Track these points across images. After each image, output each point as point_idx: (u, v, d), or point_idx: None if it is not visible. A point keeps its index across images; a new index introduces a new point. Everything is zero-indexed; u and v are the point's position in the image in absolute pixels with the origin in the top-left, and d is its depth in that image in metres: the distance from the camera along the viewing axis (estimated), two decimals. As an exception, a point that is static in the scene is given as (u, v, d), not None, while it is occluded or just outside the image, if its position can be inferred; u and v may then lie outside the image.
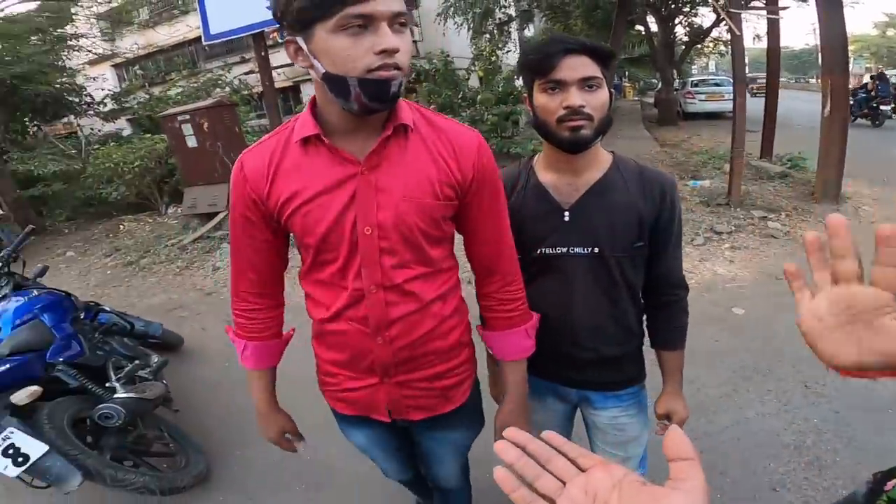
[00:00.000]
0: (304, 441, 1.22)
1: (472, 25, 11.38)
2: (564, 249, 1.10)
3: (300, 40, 0.81)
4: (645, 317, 1.23)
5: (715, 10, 11.58)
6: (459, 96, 8.93)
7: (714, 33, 14.54)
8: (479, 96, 8.67)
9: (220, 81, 11.74)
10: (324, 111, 0.90)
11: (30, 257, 6.42)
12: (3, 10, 8.60)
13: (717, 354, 2.75)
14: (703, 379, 2.53)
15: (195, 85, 11.50)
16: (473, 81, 9.63)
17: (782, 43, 7.72)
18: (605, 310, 1.12)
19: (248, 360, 1.11)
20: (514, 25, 12.29)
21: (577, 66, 0.98)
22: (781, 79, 8.96)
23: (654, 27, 13.86)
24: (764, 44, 7.73)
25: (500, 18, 11.67)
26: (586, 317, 1.12)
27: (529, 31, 14.36)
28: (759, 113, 7.48)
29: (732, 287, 3.63)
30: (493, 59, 9.28)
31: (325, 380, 1.12)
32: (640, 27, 14.19)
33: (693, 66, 33.52)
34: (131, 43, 14.15)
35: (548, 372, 1.21)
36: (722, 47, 17.04)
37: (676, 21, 13.78)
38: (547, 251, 1.11)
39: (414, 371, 1.03)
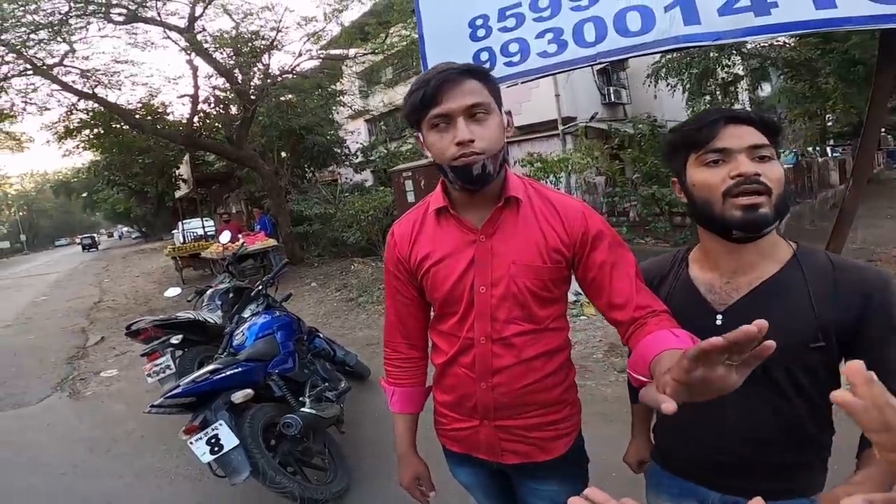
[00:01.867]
0: (434, 492, 1.29)
1: (687, 87, 10.73)
2: None
3: (420, 135, 1.05)
4: None
5: None
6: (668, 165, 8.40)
7: None
8: (691, 164, 8.02)
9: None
10: (449, 188, 1.09)
11: (287, 282, 8.48)
12: (297, 65, 10.94)
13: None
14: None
15: (420, 142, 13.19)
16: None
17: None
18: (768, 420, 0.95)
19: (395, 405, 1.26)
20: (742, 86, 11.11)
21: (744, 135, 0.87)
22: None
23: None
24: None
25: (723, 78, 10.72)
26: (742, 428, 0.96)
27: (763, 92, 12.72)
28: None
29: None
30: (711, 122, 8.52)
31: (438, 419, 1.24)
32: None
33: None
34: (379, 101, 16.44)
35: (683, 471, 1.08)
36: None
37: None
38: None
39: (513, 418, 1.11)
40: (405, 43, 10.48)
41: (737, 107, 11.03)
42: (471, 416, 1.15)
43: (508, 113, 1.05)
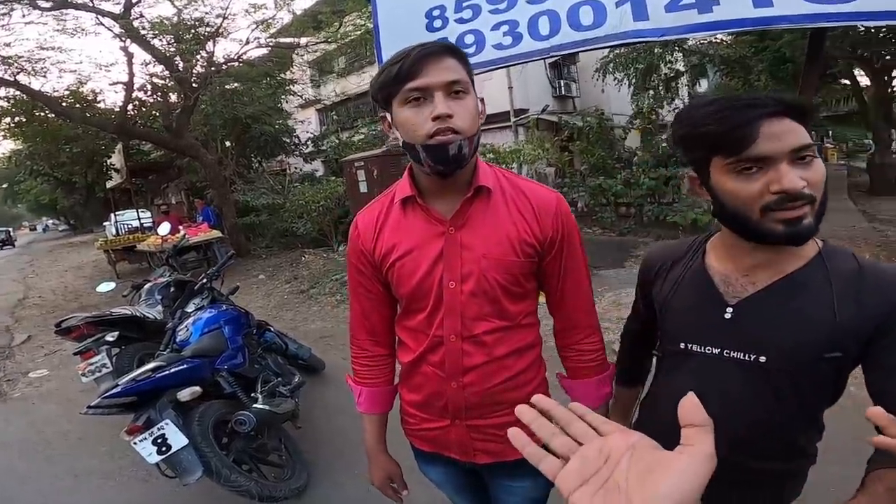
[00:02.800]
0: (407, 491, 1.27)
1: (633, 82, 11.13)
2: (716, 351, 0.89)
3: (388, 115, 0.97)
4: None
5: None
6: (614, 156, 8.76)
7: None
8: (637, 157, 8.40)
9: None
10: (417, 176, 1.03)
11: (233, 275, 8.14)
12: (243, 53, 10.54)
13: None
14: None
15: (374, 132, 12.90)
16: (633, 141, 9.38)
17: None
18: (763, 426, 0.88)
19: (363, 405, 1.21)
20: (682, 81, 11.67)
21: (784, 134, 0.74)
22: None
23: (864, 80, 11.88)
24: None
25: (665, 74, 11.21)
26: (733, 435, 0.85)
27: (701, 88, 13.44)
28: None
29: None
30: (653, 117, 8.94)
31: (406, 419, 1.19)
32: (845, 80, 12.27)
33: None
34: (331, 90, 16.13)
35: None
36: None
37: (895, 73, 11.61)
38: (693, 348, 0.92)
39: (484, 417, 1.08)
40: (359, 32, 10.21)
41: (677, 103, 11.62)
42: (441, 416, 1.11)
43: (482, 100, 0.99)
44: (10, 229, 34.74)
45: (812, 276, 0.83)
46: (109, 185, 15.52)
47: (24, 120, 10.51)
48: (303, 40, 11.48)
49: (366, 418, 1.22)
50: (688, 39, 10.52)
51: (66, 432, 3.34)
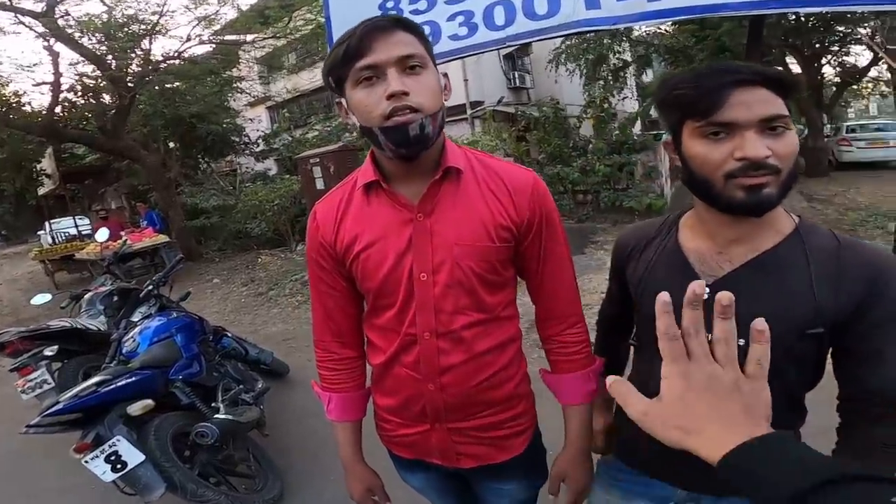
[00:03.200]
0: (390, 502, 1.20)
1: (584, 72, 11.35)
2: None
3: (344, 101, 0.90)
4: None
5: (871, 48, 10.29)
6: (570, 145, 8.94)
7: (873, 72, 12.81)
8: (591, 145, 8.59)
9: (349, 126, 12.97)
10: (380, 160, 0.94)
11: (185, 280, 7.75)
12: (184, 51, 10.07)
13: None
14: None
15: (329, 129, 12.67)
16: (587, 130, 9.59)
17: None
18: None
19: (333, 413, 1.11)
20: (630, 71, 12.04)
21: (755, 103, 0.73)
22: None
23: (796, 68, 12.62)
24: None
25: (614, 64, 11.50)
26: None
27: (647, 77, 13.93)
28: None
29: None
30: (606, 106, 9.17)
31: (381, 425, 1.12)
32: (778, 68, 13.00)
33: (849, 110, 29.55)
34: (282, 87, 15.60)
35: (651, 466, 0.98)
36: (884, 87, 14.90)
37: (824, 61, 12.42)
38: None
39: (466, 419, 1.01)
40: (310, 27, 9.86)
41: (626, 92, 11.97)
42: (419, 421, 1.03)
43: (445, 75, 0.91)
44: None
45: (789, 252, 0.81)
46: (41, 191, 14.50)
47: None
48: (249, 37, 11.01)
49: (338, 427, 1.12)
50: (634, 30, 10.86)
51: (15, 451, 3.12)
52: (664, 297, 0.49)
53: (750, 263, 0.82)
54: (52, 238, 12.03)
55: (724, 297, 0.48)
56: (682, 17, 3.92)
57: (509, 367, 1.02)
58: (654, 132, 9.30)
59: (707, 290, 0.78)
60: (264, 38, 10.96)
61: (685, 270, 0.86)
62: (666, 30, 11.06)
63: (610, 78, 11.45)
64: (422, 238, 0.92)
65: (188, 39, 9.77)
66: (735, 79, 0.73)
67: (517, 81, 13.44)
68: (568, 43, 11.08)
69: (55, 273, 9.39)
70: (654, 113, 8.88)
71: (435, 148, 0.91)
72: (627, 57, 11.90)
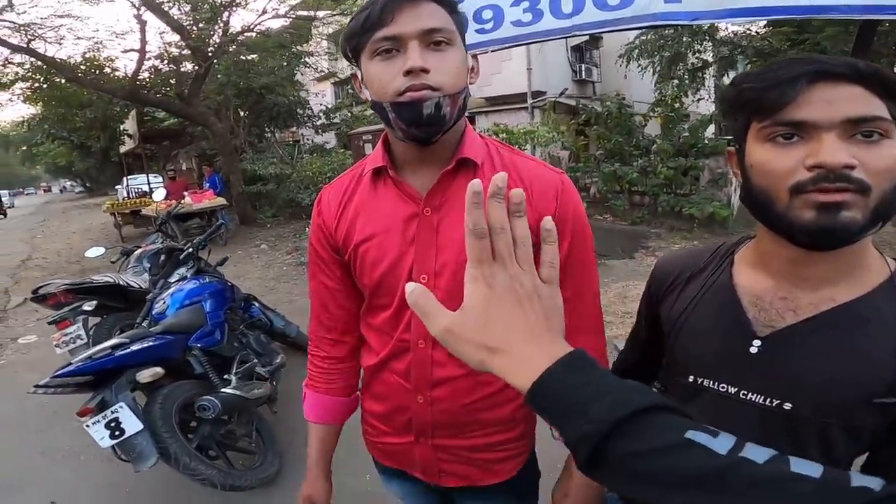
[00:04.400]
0: None
1: (658, 69, 10.72)
2: (733, 390, 0.71)
3: (359, 72, 0.83)
4: None
5: None
6: (632, 143, 8.49)
7: None
8: (655, 145, 8.11)
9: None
10: (391, 142, 0.87)
11: (236, 242, 8.09)
12: (260, 24, 10.48)
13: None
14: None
15: (387, 107, 12.92)
16: (654, 129, 9.07)
17: None
18: None
19: (308, 412, 1.05)
20: (710, 72, 11.22)
21: (840, 100, 0.57)
22: None
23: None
24: None
25: (693, 63, 10.77)
26: None
27: (728, 79, 12.97)
28: None
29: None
30: (677, 105, 8.59)
31: (367, 428, 1.07)
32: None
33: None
34: (347, 64, 16.19)
35: None
36: None
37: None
38: (705, 383, 0.74)
39: (454, 437, 0.93)
40: (378, 6, 9.90)
41: (702, 93, 11.18)
42: (404, 432, 0.96)
43: (475, 58, 0.82)
44: (7, 193, 31.77)
45: (874, 308, 0.63)
46: (123, 149, 15.70)
47: (40, 86, 10.56)
48: (321, 13, 11.27)
49: (311, 428, 1.05)
50: (719, 29, 10.08)
51: (44, 405, 3.21)
52: (475, 185, 0.43)
53: (819, 318, 0.65)
54: (128, 192, 12.97)
55: (515, 194, 0.44)
56: (779, 17, 3.53)
57: (510, 388, 0.89)
58: (730, 137, 8.65)
59: (758, 342, 0.69)
60: (333, 15, 11.17)
61: (735, 315, 0.71)
62: (757, 31, 10.18)
63: (686, 77, 10.73)
64: (426, 236, 0.84)
65: (264, 13, 10.15)
66: (815, 69, 0.57)
67: (583, 74, 12.97)
68: (643, 38, 10.47)
69: (123, 226, 10.09)
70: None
71: (452, 134, 0.82)
72: (709, 57, 11.08)
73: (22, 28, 8.91)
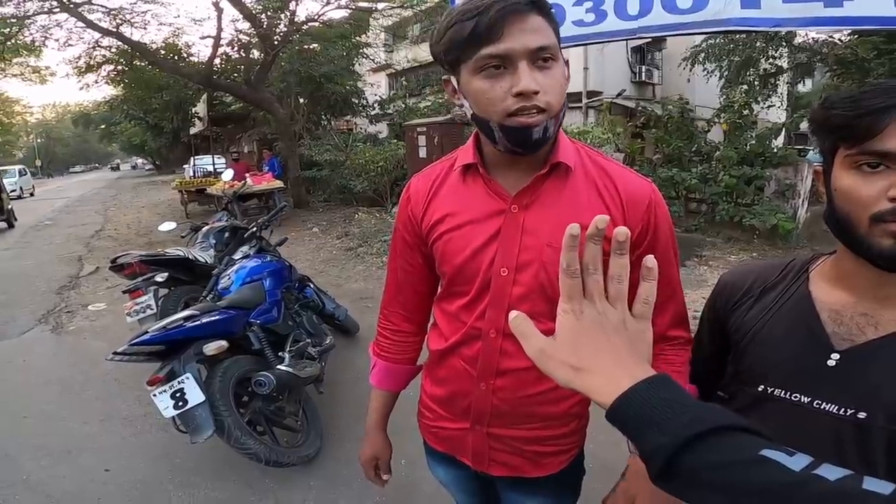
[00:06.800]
0: (390, 475, 1.22)
1: (724, 74, 10.21)
2: (807, 399, 0.72)
3: (454, 80, 0.82)
4: None
5: None
6: (692, 149, 8.15)
7: None
8: (718, 152, 7.75)
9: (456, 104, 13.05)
10: (483, 143, 0.89)
11: (289, 224, 8.43)
12: (323, 14, 10.84)
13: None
14: None
15: (441, 100, 12.78)
16: (716, 136, 8.67)
17: None
18: None
19: (374, 377, 1.12)
20: (783, 79, 10.56)
21: None
22: None
23: None
24: None
25: (765, 69, 10.17)
26: None
27: (805, 87, 12.16)
28: None
29: None
30: (745, 112, 8.16)
31: (423, 412, 1.10)
32: None
33: None
34: (403, 56, 16.28)
35: None
36: None
37: None
38: (776, 393, 0.76)
39: (509, 427, 0.96)
40: (436, 0, 9.93)
41: (773, 100, 10.57)
42: (461, 418, 1.00)
43: (566, 63, 0.81)
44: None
45: None
46: (193, 131, 16.62)
47: (124, 69, 11.28)
48: (380, 5, 11.53)
49: (374, 393, 1.14)
50: (796, 35, 9.47)
51: (107, 372, 3.35)
52: (573, 229, 0.47)
53: None
54: (194, 172, 13.74)
55: (621, 233, 0.47)
56: (871, 28, 3.32)
57: None
58: (801, 147, 8.10)
59: (836, 356, 0.71)
60: (392, 7, 11.39)
61: (813, 328, 0.73)
62: (840, 39, 9.50)
63: (757, 83, 10.14)
64: (511, 231, 0.86)
65: (328, 3, 10.49)
66: None
67: (643, 76, 12.59)
68: (711, 41, 10.00)
69: (189, 203, 10.70)
70: (804, 126, 7.72)
71: (546, 145, 0.83)
72: (783, 63, 10.42)
73: (111, 13, 9.58)
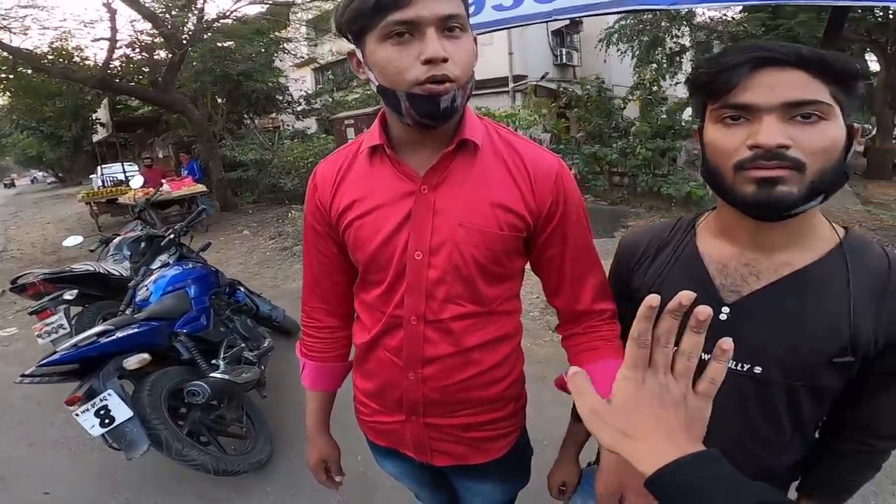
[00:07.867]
0: (343, 476, 1.18)
1: (636, 53, 10.81)
2: (707, 357, 0.83)
3: (358, 52, 0.79)
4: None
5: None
6: (612, 126, 8.60)
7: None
8: (634, 128, 8.22)
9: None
10: (389, 122, 0.85)
11: (217, 229, 8.02)
12: (236, 10, 10.21)
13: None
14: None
15: (369, 92, 12.58)
16: (632, 112, 9.17)
17: None
18: (747, 442, 0.78)
19: (306, 379, 1.08)
20: (687, 56, 11.34)
21: (781, 85, 0.63)
22: None
23: (874, 65, 11.59)
24: None
25: (671, 48, 10.88)
26: (716, 444, 0.78)
27: (706, 63, 13.16)
28: None
29: None
30: (655, 88, 8.70)
31: (358, 407, 1.07)
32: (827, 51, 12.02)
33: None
34: (327, 49, 15.71)
35: None
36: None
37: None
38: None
39: (445, 416, 0.94)
40: (358, -9, 9.73)
41: (680, 77, 11.32)
42: (396, 410, 0.97)
43: (475, 40, 0.80)
44: None
45: (828, 272, 0.70)
46: (96, 138, 15.29)
47: (6, 76, 10.26)
48: (299, -1, 11.05)
49: (308, 395, 1.09)
50: (696, 14, 10.19)
51: (28, 396, 3.16)
52: (652, 301, 0.46)
53: (780, 283, 0.72)
54: (102, 182, 12.67)
55: (703, 312, 0.46)
56: (754, 3, 3.58)
57: (501, 367, 0.93)
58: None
59: (727, 309, 0.75)
60: (312, 1, 10.98)
61: (704, 284, 0.76)
62: (732, 16, 10.32)
63: (664, 62, 10.84)
64: (423, 213, 0.83)
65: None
66: (759, 56, 0.63)
67: (564, 58, 13.06)
68: (623, 23, 10.55)
69: (100, 215, 9.87)
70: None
71: (456, 117, 0.81)
72: (686, 41, 11.19)
73: None
